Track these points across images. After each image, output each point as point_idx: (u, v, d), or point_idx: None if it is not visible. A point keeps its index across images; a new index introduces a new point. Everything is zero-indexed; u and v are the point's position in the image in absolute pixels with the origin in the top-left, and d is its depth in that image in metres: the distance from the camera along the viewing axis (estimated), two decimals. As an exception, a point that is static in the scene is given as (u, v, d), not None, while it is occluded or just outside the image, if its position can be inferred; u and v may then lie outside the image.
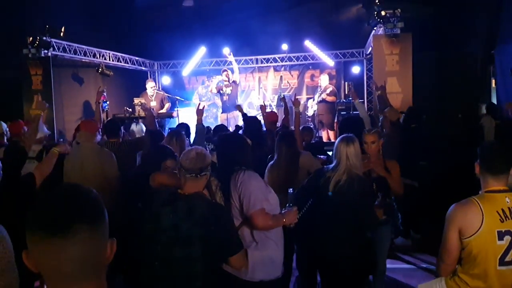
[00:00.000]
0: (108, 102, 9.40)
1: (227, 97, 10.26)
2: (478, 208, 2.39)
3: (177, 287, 2.41)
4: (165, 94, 10.61)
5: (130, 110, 9.52)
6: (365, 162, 3.88)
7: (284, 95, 9.20)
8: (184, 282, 2.40)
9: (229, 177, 3.01)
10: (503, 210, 2.39)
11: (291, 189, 3.23)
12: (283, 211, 3.08)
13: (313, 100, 10.92)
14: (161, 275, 2.42)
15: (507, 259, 2.37)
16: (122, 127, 5.79)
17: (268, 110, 10.47)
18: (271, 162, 4.22)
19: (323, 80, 10.70)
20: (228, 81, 10.27)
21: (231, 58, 10.68)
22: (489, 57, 8.95)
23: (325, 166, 3.61)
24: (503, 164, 2.48)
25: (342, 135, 3.53)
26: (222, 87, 10.35)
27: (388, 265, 4.35)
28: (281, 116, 9.49)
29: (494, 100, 9.28)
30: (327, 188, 3.35)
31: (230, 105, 10.13)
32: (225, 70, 10.52)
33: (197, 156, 2.56)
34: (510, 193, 2.46)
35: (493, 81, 9.12)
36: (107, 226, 1.20)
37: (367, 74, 12.04)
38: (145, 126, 5.46)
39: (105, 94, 5.99)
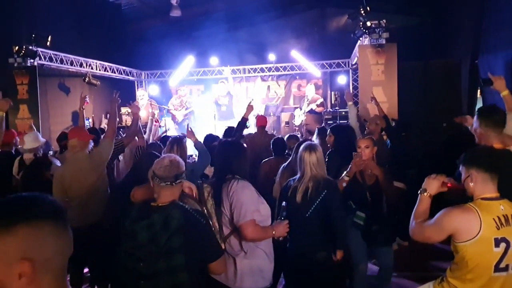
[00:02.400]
0: (90, 120, 9.36)
1: (225, 107, 10.58)
2: (476, 215, 2.41)
3: None
4: (155, 104, 10.67)
5: (117, 119, 9.48)
6: (357, 160, 3.93)
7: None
8: None
9: (221, 184, 3.01)
10: (498, 218, 2.41)
11: (284, 202, 3.23)
12: (273, 223, 3.07)
13: (300, 109, 11.00)
14: None
15: (502, 265, 2.40)
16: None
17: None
18: (284, 164, 4.32)
19: (309, 90, 10.83)
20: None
21: (226, 71, 11.07)
22: (473, 67, 9.10)
23: (290, 179, 3.61)
24: (497, 165, 2.53)
25: (306, 143, 3.59)
26: (219, 98, 10.67)
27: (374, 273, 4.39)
28: (269, 125, 9.66)
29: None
30: (295, 197, 3.38)
31: (227, 114, 10.82)
32: (222, 82, 10.91)
33: (171, 164, 2.51)
34: (503, 201, 2.49)
35: (478, 90, 9.26)
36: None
37: (353, 84, 12.16)
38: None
39: (87, 100, 5.95)
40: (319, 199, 3.35)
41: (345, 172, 3.96)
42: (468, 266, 2.42)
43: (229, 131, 6.16)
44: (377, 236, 4.07)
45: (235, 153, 3.14)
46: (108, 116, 4.64)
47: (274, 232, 3.00)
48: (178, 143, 4.42)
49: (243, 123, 5.50)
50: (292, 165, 4.16)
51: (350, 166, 3.95)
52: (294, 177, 3.57)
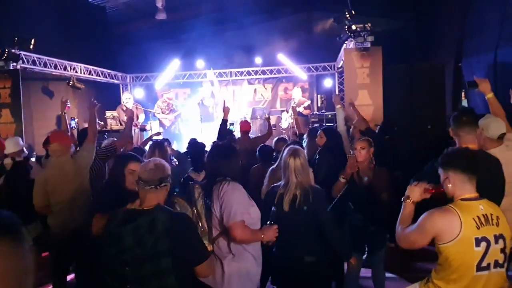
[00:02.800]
0: (76, 119, 9.25)
1: (211, 108, 11.06)
2: (456, 216, 2.45)
3: None
4: (141, 107, 10.57)
5: (102, 123, 9.40)
6: (351, 162, 3.97)
7: (269, 115, 9.33)
8: None
9: (212, 186, 3.01)
10: (478, 217, 2.46)
11: (274, 208, 3.23)
12: (263, 228, 3.07)
13: (287, 112, 11.01)
14: None
15: (484, 264, 2.44)
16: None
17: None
18: (273, 167, 4.26)
19: (296, 93, 10.86)
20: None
21: (210, 74, 11.15)
22: (457, 69, 9.19)
23: (274, 185, 3.52)
24: (474, 166, 2.57)
25: (290, 147, 3.49)
26: (204, 98, 10.74)
27: (361, 274, 4.39)
28: (256, 128, 9.65)
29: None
30: (282, 205, 3.30)
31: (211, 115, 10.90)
32: (206, 83, 11.01)
33: (156, 167, 2.50)
34: (483, 200, 2.54)
35: (462, 93, 9.36)
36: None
37: (338, 87, 12.23)
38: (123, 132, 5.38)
39: (68, 104, 5.90)
40: (309, 210, 3.30)
41: (341, 175, 3.99)
42: (451, 266, 2.46)
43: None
44: (374, 238, 4.08)
45: (227, 156, 3.14)
46: (88, 121, 4.68)
47: (263, 236, 3.01)
48: (159, 147, 4.42)
49: (223, 124, 5.54)
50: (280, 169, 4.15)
51: (346, 168, 3.99)
52: (278, 183, 3.48)
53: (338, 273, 4.29)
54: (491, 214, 2.50)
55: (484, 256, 2.43)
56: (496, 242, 2.47)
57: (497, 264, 2.48)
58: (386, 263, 4.41)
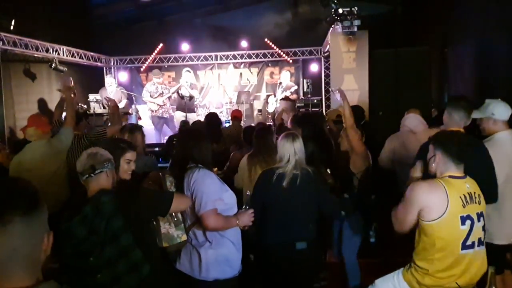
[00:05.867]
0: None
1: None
2: (443, 190, 2.45)
3: (128, 283, 2.33)
4: (125, 91, 10.36)
5: (85, 106, 9.26)
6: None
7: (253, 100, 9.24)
8: (132, 274, 2.34)
9: (183, 174, 2.95)
10: (464, 196, 2.48)
11: (248, 192, 3.24)
12: (238, 212, 3.04)
13: (275, 96, 10.93)
14: (108, 281, 2.31)
15: (468, 242, 2.46)
16: (83, 118, 5.59)
17: (228, 107, 10.65)
18: (249, 153, 4.22)
19: (284, 77, 10.77)
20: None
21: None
22: (443, 55, 9.20)
23: (272, 167, 3.46)
24: (464, 153, 2.58)
25: (286, 132, 3.54)
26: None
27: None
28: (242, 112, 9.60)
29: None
30: (281, 183, 3.29)
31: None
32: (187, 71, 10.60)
33: (88, 156, 2.49)
34: (468, 179, 2.56)
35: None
36: (44, 218, 1.19)
37: (325, 71, 12.20)
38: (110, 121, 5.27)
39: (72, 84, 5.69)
40: (307, 190, 3.31)
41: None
42: (436, 245, 2.46)
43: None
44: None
45: (196, 141, 3.06)
46: (65, 104, 4.60)
47: (238, 222, 2.97)
48: (130, 131, 4.14)
49: None
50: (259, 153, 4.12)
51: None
52: (275, 166, 3.44)
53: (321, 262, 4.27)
54: (474, 192, 2.53)
55: (469, 234, 2.45)
56: (479, 220, 2.50)
57: (480, 242, 2.52)
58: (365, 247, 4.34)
